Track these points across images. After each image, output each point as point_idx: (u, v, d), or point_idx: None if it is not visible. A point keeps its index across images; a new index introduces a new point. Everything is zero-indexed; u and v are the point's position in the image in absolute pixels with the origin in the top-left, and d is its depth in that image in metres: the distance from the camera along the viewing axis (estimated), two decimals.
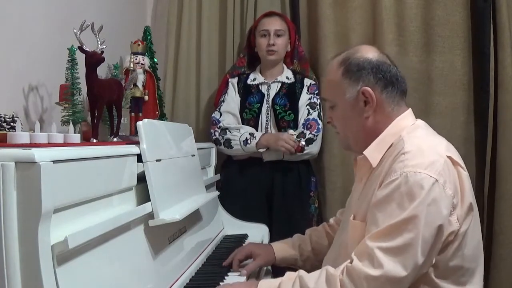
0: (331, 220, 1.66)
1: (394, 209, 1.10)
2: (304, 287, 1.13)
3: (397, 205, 1.10)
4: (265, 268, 1.70)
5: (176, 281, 1.39)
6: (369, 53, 1.28)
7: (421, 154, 1.15)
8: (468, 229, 1.16)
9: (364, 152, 1.27)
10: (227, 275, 1.50)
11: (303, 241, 1.60)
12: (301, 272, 1.18)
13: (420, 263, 1.08)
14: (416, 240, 1.07)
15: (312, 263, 1.58)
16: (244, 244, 1.82)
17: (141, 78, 1.95)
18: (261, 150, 2.26)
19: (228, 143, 2.28)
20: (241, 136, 2.26)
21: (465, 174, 1.19)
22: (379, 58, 1.28)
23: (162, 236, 1.40)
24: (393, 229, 1.09)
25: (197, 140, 1.94)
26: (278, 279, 1.20)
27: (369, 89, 1.24)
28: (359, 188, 1.33)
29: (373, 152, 1.26)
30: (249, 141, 2.24)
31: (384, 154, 1.24)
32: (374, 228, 1.12)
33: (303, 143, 2.25)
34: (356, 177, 1.39)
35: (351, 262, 1.12)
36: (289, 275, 1.20)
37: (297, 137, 2.24)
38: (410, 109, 1.32)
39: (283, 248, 1.60)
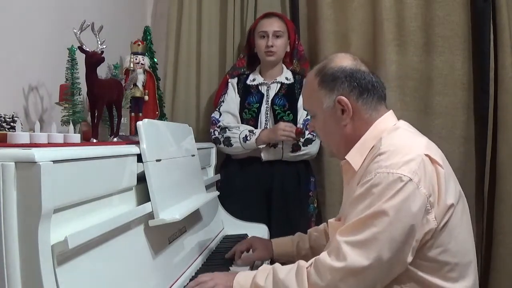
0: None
1: (365, 206, 1.13)
2: (275, 277, 1.19)
3: (368, 203, 1.13)
4: (266, 263, 1.72)
5: (176, 281, 1.39)
6: (344, 62, 1.30)
7: (396, 154, 1.16)
8: (451, 224, 1.16)
9: (346, 157, 1.30)
10: None
11: (302, 239, 1.63)
12: (276, 264, 1.24)
13: (385, 258, 1.10)
14: (382, 235, 1.09)
15: None
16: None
17: (141, 78, 1.94)
18: (261, 146, 2.25)
19: (227, 141, 2.28)
20: (240, 133, 2.26)
21: (442, 171, 1.18)
22: (353, 66, 1.30)
23: (162, 236, 1.40)
24: (360, 223, 1.12)
25: (197, 140, 1.94)
26: (255, 271, 1.25)
27: (344, 98, 1.27)
28: (346, 192, 1.36)
29: (354, 156, 1.29)
30: (248, 138, 2.24)
31: (366, 157, 1.26)
32: (345, 224, 1.16)
33: (301, 126, 2.26)
34: (344, 182, 1.41)
35: (319, 256, 1.17)
36: (264, 267, 1.26)
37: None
38: (391, 110, 1.34)
39: (281, 245, 1.64)
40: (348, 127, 1.29)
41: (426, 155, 1.17)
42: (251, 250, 1.65)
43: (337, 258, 1.12)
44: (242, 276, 1.26)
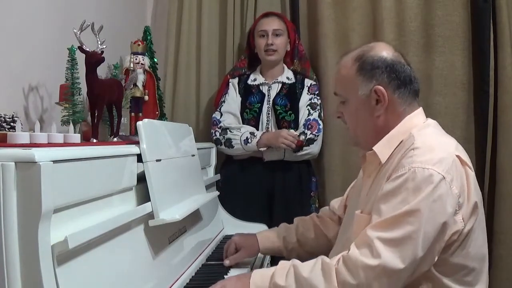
0: (322, 211, 1.66)
1: (399, 202, 1.10)
2: (298, 276, 1.13)
3: (402, 198, 1.10)
4: (267, 262, 1.72)
5: (176, 281, 1.39)
6: (384, 52, 1.27)
7: (430, 150, 1.15)
8: (473, 228, 1.16)
9: (374, 148, 1.27)
10: (227, 274, 1.51)
11: (288, 232, 1.60)
12: (295, 261, 1.18)
13: (418, 258, 1.08)
14: (417, 234, 1.07)
15: (298, 253, 1.58)
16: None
17: (141, 78, 1.94)
18: (262, 149, 2.26)
19: (229, 142, 2.28)
20: (241, 135, 2.26)
21: (472, 174, 1.18)
22: (394, 57, 1.27)
23: (162, 236, 1.40)
24: (395, 220, 1.09)
25: (197, 140, 1.94)
26: (272, 269, 1.20)
27: (381, 88, 1.24)
28: (368, 184, 1.32)
29: (382, 148, 1.26)
30: (249, 140, 2.24)
31: (394, 150, 1.24)
32: (376, 219, 1.13)
33: (303, 137, 2.25)
34: (364, 174, 1.38)
35: (348, 252, 1.12)
36: (282, 264, 1.19)
37: (298, 136, 2.25)
38: (421, 108, 1.32)
39: (267, 239, 1.61)
40: (380, 118, 1.26)
41: (457, 155, 1.17)
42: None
43: (370, 255, 1.08)
44: (258, 276, 1.19)
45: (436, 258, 1.13)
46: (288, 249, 1.59)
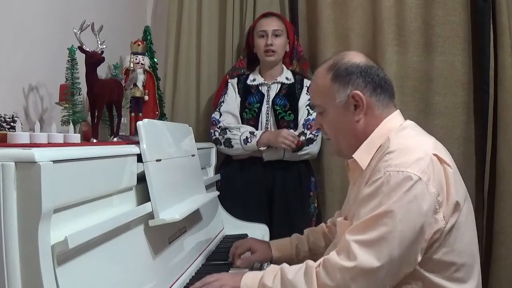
0: (329, 222, 1.67)
1: (374, 205, 1.12)
2: (283, 278, 1.17)
3: (378, 201, 1.12)
4: (266, 264, 1.72)
5: (176, 281, 1.39)
6: (356, 58, 1.31)
7: (405, 153, 1.16)
8: (456, 225, 1.16)
9: (353, 155, 1.29)
10: None
11: (300, 241, 1.63)
12: (284, 265, 1.22)
13: (396, 257, 1.09)
14: (392, 234, 1.09)
15: None
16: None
17: (141, 78, 1.95)
18: (262, 149, 2.26)
19: (228, 142, 2.29)
20: (241, 135, 2.26)
21: (451, 171, 1.19)
22: (367, 62, 1.30)
23: (162, 236, 1.40)
24: (369, 222, 1.11)
25: (197, 140, 1.94)
26: (262, 271, 1.24)
27: (359, 92, 1.26)
28: (354, 191, 1.34)
29: (362, 154, 1.28)
30: (249, 140, 2.24)
31: (373, 156, 1.26)
32: (354, 223, 1.15)
33: (303, 138, 2.26)
34: (350, 181, 1.41)
35: (328, 255, 1.16)
36: (272, 267, 1.24)
37: (297, 136, 2.25)
38: (398, 110, 1.34)
39: (281, 247, 1.63)
40: (360, 123, 1.28)
41: (434, 154, 1.17)
42: (249, 252, 1.64)
43: (347, 258, 1.11)
44: (249, 277, 1.23)
45: (419, 258, 1.13)
46: (299, 258, 1.60)
